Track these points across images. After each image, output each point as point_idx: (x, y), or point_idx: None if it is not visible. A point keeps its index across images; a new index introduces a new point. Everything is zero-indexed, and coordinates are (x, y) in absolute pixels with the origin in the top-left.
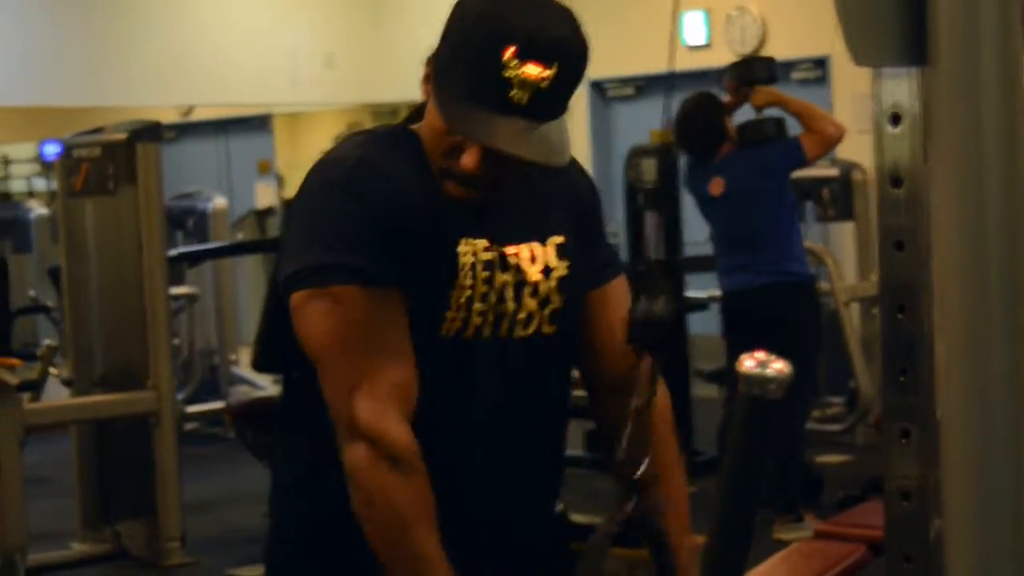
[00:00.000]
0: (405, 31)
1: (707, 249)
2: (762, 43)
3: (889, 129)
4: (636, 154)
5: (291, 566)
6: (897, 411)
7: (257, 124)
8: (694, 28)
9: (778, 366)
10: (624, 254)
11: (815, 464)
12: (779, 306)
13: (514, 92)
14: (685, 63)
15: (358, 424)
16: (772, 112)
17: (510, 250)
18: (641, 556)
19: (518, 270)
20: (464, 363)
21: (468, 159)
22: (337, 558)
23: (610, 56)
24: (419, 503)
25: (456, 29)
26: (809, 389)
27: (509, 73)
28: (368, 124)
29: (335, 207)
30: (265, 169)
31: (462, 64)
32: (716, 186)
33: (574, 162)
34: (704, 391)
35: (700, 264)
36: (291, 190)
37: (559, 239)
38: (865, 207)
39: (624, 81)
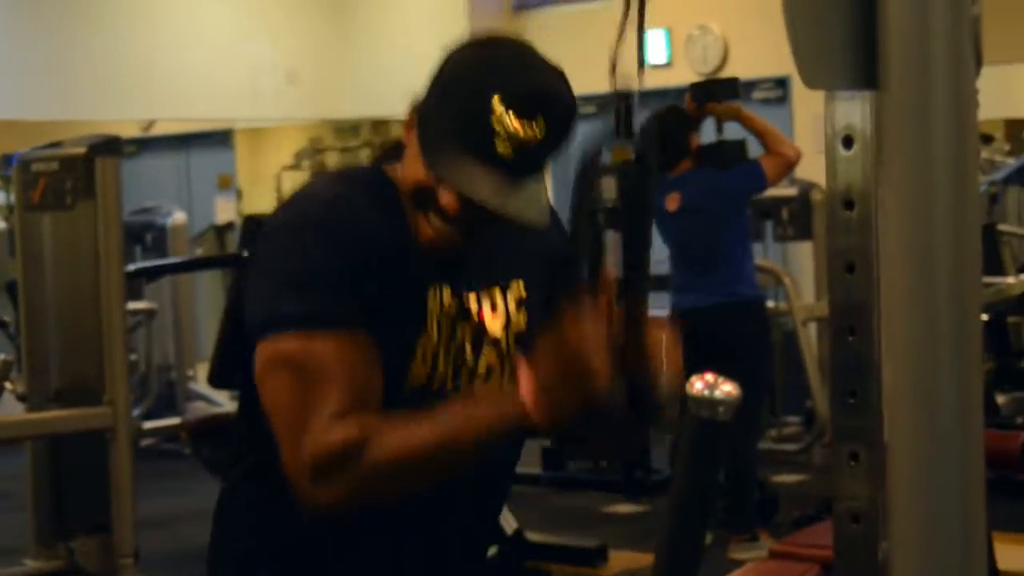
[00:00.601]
0: (367, 47)
1: (664, 268)
2: (724, 62)
3: (841, 151)
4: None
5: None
6: (846, 433)
7: (218, 139)
8: (656, 47)
9: (727, 388)
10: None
11: (771, 483)
12: (728, 326)
13: (499, 144)
14: (646, 82)
15: (305, 470)
16: (733, 133)
17: (471, 301)
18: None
19: (479, 323)
20: None
21: (447, 200)
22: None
23: (572, 73)
24: (388, 447)
25: (445, 78)
26: (761, 409)
27: (496, 124)
28: (329, 140)
29: (304, 248)
30: (225, 184)
31: (449, 112)
32: (672, 201)
33: (552, 213)
34: None
35: (658, 284)
36: (251, 205)
37: (520, 287)
38: (824, 227)
39: (586, 99)
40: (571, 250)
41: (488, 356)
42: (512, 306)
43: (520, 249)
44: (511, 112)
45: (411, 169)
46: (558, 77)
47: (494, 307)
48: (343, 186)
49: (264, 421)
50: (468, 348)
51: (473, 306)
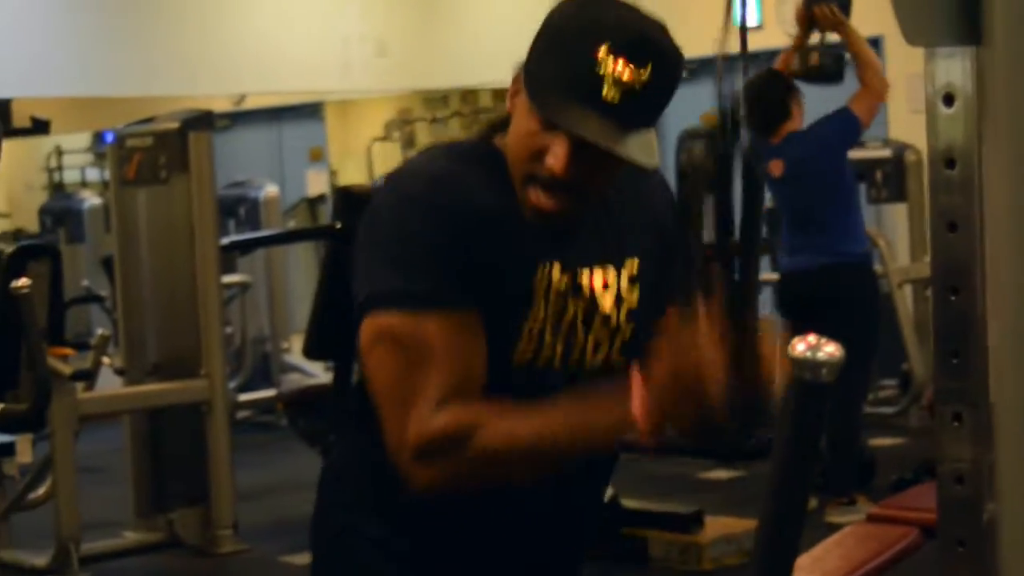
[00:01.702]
0: (456, 18)
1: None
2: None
3: (942, 109)
4: (688, 137)
5: (337, 550)
6: (949, 394)
7: (308, 112)
8: (746, 9)
9: (830, 349)
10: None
11: (868, 447)
12: (837, 288)
13: (606, 90)
14: (733, 45)
15: (407, 452)
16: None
17: (583, 277)
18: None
19: (591, 298)
20: (535, 392)
21: (555, 160)
22: (396, 543)
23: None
24: (493, 437)
25: (549, 29)
26: (866, 372)
27: (601, 70)
28: (419, 111)
29: (413, 226)
30: (317, 157)
31: (555, 62)
32: (776, 167)
33: (662, 181)
34: None
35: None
36: (342, 177)
37: (634, 264)
38: (918, 188)
39: None
40: (683, 227)
41: (598, 332)
42: (624, 283)
43: (634, 227)
44: (618, 58)
45: (517, 132)
46: (661, 28)
47: (606, 284)
48: (451, 161)
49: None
50: (579, 324)
51: (585, 282)
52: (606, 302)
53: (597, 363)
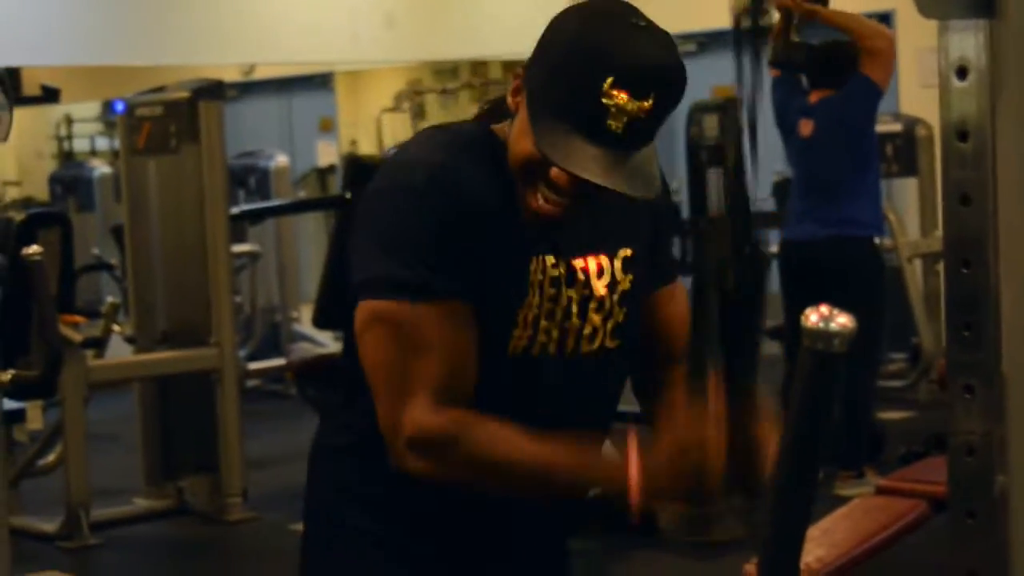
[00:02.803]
0: None
1: (769, 205)
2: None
3: (955, 83)
4: (698, 110)
5: (333, 529)
6: (961, 366)
7: (319, 82)
8: None
9: (842, 320)
10: (685, 211)
11: (877, 420)
12: (842, 260)
13: (610, 122)
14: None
15: (402, 437)
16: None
17: (578, 263)
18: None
19: (585, 284)
20: (529, 381)
21: (558, 174)
22: (380, 523)
23: (672, 11)
24: (500, 435)
25: (554, 50)
26: (875, 346)
27: (607, 102)
28: (428, 81)
29: (410, 215)
30: (327, 127)
31: (558, 90)
32: (806, 127)
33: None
34: (766, 348)
35: (762, 220)
36: (352, 148)
37: (627, 252)
38: (929, 163)
39: (686, 37)
40: (671, 203)
41: (593, 319)
42: (618, 268)
43: (627, 213)
44: (623, 91)
45: (520, 141)
46: (668, 47)
47: (600, 270)
48: (449, 150)
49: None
50: (574, 312)
51: (579, 269)
52: (600, 287)
53: (593, 349)
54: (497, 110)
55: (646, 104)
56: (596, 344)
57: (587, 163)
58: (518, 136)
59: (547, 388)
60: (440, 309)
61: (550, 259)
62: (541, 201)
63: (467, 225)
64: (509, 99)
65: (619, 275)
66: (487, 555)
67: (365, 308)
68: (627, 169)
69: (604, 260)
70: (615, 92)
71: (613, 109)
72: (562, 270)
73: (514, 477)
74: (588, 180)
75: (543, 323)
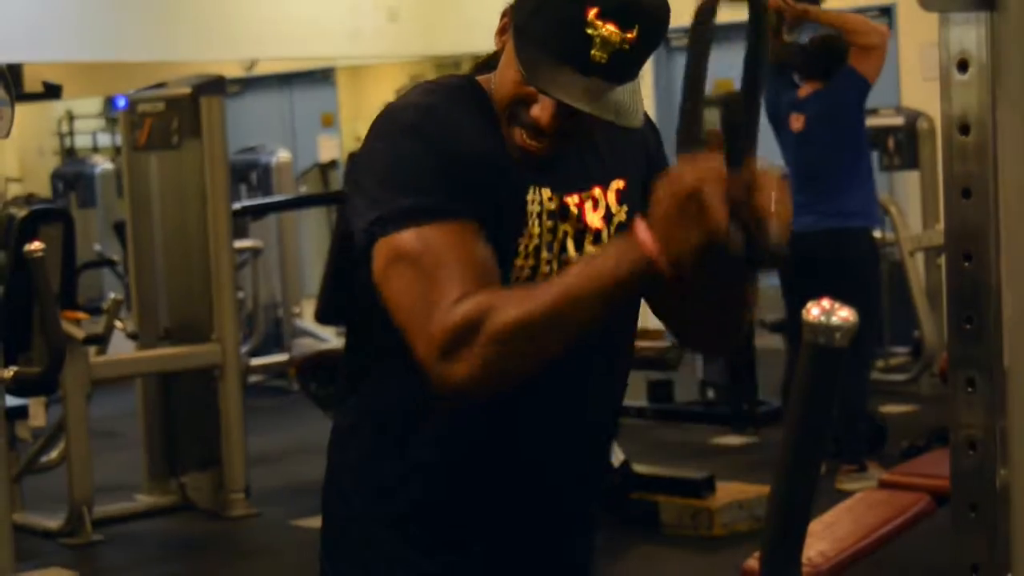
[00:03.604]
0: None
1: None
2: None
3: (956, 76)
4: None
5: (347, 514)
6: (962, 360)
7: (320, 77)
8: None
9: (844, 314)
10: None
11: (879, 414)
12: (837, 252)
13: (594, 52)
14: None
15: (434, 354)
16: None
17: (571, 199)
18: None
19: (579, 219)
20: None
21: (541, 112)
22: (391, 506)
23: (673, 5)
24: (512, 312)
25: None
26: (871, 339)
27: (591, 32)
28: (431, 76)
29: (407, 150)
30: (328, 122)
31: (544, 21)
32: (796, 121)
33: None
34: (767, 342)
35: None
36: (354, 143)
37: (620, 184)
38: (931, 156)
39: (688, 31)
40: (658, 136)
41: (590, 251)
42: (612, 200)
43: (616, 150)
44: (607, 22)
45: (504, 77)
46: None
47: (595, 204)
48: (436, 96)
49: (373, 358)
50: (570, 245)
51: (573, 204)
52: (595, 219)
53: None
54: (483, 68)
55: (630, 35)
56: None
57: (571, 90)
58: (503, 70)
59: None
60: (452, 228)
61: (546, 192)
62: (527, 139)
63: (461, 155)
64: (496, 39)
65: (614, 207)
66: (496, 535)
67: (381, 250)
68: (611, 99)
69: (597, 192)
70: (600, 23)
71: (598, 40)
72: (557, 204)
73: (548, 327)
74: (571, 108)
75: (544, 254)
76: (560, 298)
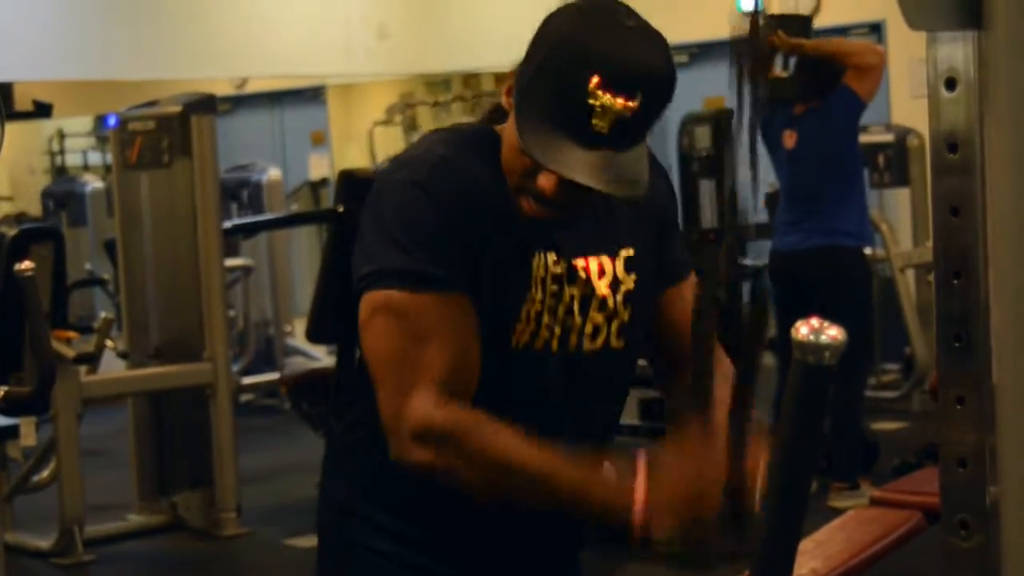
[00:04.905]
0: (458, 1)
1: (761, 216)
2: (817, 8)
3: (944, 94)
4: (690, 121)
5: (342, 529)
6: (952, 377)
7: (310, 95)
8: None
9: (833, 333)
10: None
11: (871, 431)
12: (829, 270)
13: (596, 121)
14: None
15: (406, 427)
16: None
17: (579, 263)
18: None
19: (586, 283)
20: (534, 375)
21: (545, 182)
22: (389, 521)
23: (663, 23)
24: (502, 440)
25: (542, 51)
26: (865, 356)
27: (592, 102)
28: (421, 94)
29: (414, 208)
30: (319, 140)
31: (544, 89)
32: (790, 139)
33: (654, 161)
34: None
35: (755, 232)
36: (344, 161)
37: (629, 252)
38: (921, 173)
39: (678, 48)
40: (673, 200)
41: (595, 317)
42: (620, 269)
43: (630, 217)
44: (608, 91)
45: (510, 143)
46: (657, 47)
47: (602, 270)
48: (452, 149)
49: (368, 373)
50: (576, 309)
51: (580, 268)
52: (601, 287)
53: (596, 348)
54: (500, 111)
55: (632, 104)
56: (599, 343)
57: (572, 164)
58: (509, 137)
59: (549, 384)
60: (443, 299)
61: (552, 256)
62: (534, 207)
63: (469, 217)
64: (503, 99)
65: (621, 275)
66: (491, 548)
67: (369, 299)
68: (614, 169)
69: (605, 260)
70: (600, 92)
71: (598, 108)
72: (563, 268)
73: (516, 481)
74: (573, 182)
75: (546, 319)
76: (539, 474)
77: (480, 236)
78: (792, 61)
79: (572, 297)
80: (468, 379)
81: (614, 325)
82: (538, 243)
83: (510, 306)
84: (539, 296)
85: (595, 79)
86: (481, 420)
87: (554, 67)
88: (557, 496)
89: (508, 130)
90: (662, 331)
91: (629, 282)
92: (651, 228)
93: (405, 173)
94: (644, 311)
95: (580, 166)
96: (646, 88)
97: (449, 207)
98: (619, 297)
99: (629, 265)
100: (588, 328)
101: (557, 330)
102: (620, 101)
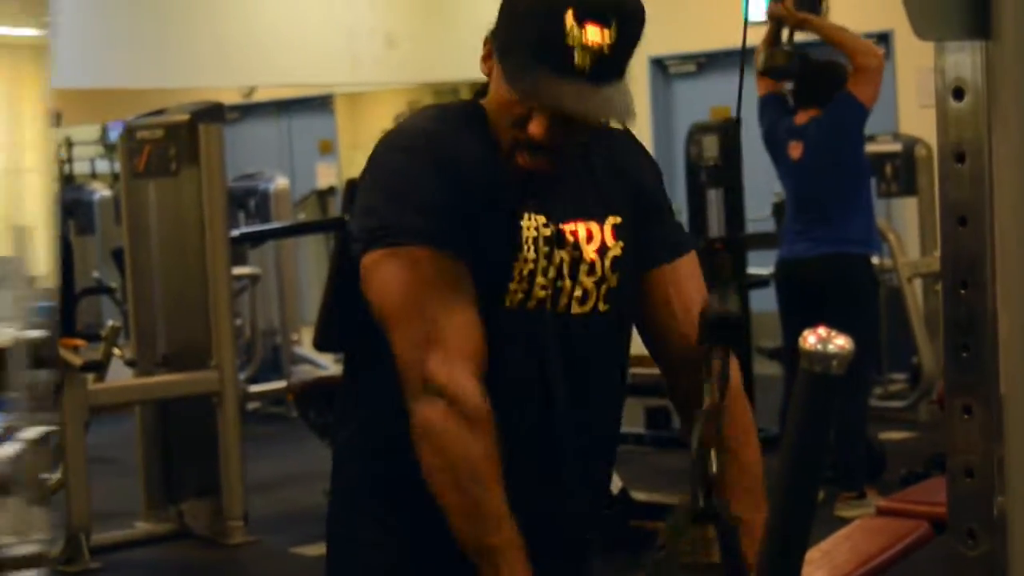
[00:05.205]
0: (465, 9)
1: (768, 225)
2: (825, 18)
3: (952, 104)
4: (697, 131)
5: (350, 529)
6: (959, 387)
7: (318, 104)
8: (757, 4)
9: (840, 342)
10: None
11: (878, 441)
12: (836, 279)
13: (577, 56)
14: (748, 39)
15: (432, 382)
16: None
17: (567, 227)
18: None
19: (575, 247)
20: (529, 334)
21: (536, 126)
22: (394, 520)
23: (671, 32)
24: (490, 459)
25: (514, 3)
26: (870, 365)
27: (570, 42)
28: (429, 103)
29: (411, 170)
30: (326, 149)
31: (524, 34)
32: (795, 149)
33: (635, 141)
34: (765, 368)
35: (761, 241)
36: (352, 170)
37: (616, 219)
38: (928, 183)
39: (685, 58)
40: (658, 175)
41: (584, 281)
42: (608, 235)
43: (613, 187)
44: (584, 24)
45: (496, 100)
46: None
47: (590, 235)
48: (438, 119)
49: (370, 380)
50: (565, 273)
51: (569, 232)
52: (590, 251)
53: (585, 311)
54: (485, 92)
55: (608, 35)
56: (588, 306)
57: (559, 95)
58: (494, 94)
59: (542, 343)
60: (443, 258)
61: (541, 218)
62: (529, 160)
63: (462, 182)
64: (481, 66)
65: (609, 241)
66: None
67: (371, 255)
68: (600, 99)
69: (593, 226)
70: (576, 25)
71: (578, 46)
72: (553, 231)
73: (457, 487)
74: (564, 117)
75: (539, 279)
76: (490, 504)
77: (471, 198)
78: (793, 63)
79: (562, 260)
80: (477, 336)
81: (603, 289)
82: (528, 206)
83: (502, 266)
84: (531, 256)
85: (569, 12)
86: (482, 420)
87: (529, 11)
88: (463, 530)
89: (493, 91)
90: (667, 322)
91: (617, 248)
92: (634, 200)
93: (400, 141)
94: (631, 279)
95: (567, 97)
96: (618, 16)
97: (443, 170)
98: (607, 262)
99: (618, 232)
100: (577, 292)
101: (550, 290)
102: (596, 33)
